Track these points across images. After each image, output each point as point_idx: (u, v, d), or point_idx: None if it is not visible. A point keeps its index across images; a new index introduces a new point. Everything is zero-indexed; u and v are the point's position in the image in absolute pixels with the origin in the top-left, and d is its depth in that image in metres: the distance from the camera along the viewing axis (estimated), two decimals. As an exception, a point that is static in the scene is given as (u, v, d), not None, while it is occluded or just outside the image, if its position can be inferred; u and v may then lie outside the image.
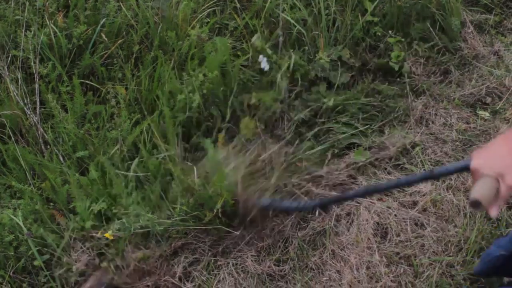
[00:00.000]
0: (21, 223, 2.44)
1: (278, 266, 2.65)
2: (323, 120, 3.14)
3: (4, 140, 2.90)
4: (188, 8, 3.35)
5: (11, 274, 2.46)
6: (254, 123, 2.98)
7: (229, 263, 2.64)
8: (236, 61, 3.24)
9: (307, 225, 2.78)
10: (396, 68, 3.37)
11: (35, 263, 2.43)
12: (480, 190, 1.55)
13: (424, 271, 2.61)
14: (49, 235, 2.48)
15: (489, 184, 1.56)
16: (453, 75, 3.49)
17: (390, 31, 3.62)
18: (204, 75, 3.06)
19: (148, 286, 2.53)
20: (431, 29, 3.62)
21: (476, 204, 1.54)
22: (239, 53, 3.36)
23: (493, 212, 1.56)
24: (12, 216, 2.43)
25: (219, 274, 2.62)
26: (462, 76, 3.49)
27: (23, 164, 2.72)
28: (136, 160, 2.78)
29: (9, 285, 2.45)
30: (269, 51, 3.24)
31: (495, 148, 1.61)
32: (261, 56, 3.24)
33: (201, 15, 3.44)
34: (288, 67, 3.18)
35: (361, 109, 3.22)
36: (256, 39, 3.15)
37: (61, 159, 2.79)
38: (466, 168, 1.65)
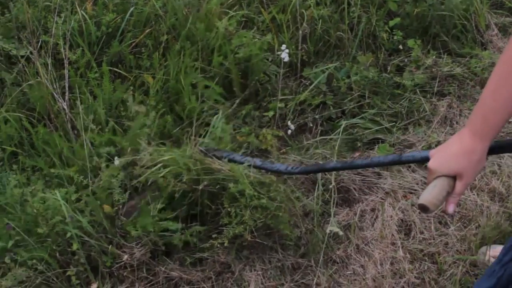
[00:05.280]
0: (64, 207, 2.46)
1: (303, 258, 2.67)
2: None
3: (33, 124, 2.92)
4: (217, 2, 3.38)
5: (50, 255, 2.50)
6: None
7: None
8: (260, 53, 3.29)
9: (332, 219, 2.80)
10: (409, 85, 3.38)
11: (74, 247, 2.46)
12: (427, 196, 1.60)
13: (447, 269, 2.63)
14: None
15: (439, 187, 1.60)
16: (477, 76, 3.50)
17: (411, 33, 3.65)
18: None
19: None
20: (460, 33, 3.65)
21: (423, 208, 1.61)
22: (264, 46, 3.38)
23: (449, 209, 1.63)
24: (59, 198, 2.44)
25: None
26: (486, 78, 3.49)
27: (53, 149, 2.74)
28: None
29: (48, 266, 2.48)
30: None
31: (450, 149, 1.62)
32: (283, 46, 3.27)
33: (230, 10, 3.46)
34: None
35: (385, 109, 3.25)
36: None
37: (90, 145, 2.80)
38: (427, 160, 1.69)
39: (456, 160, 1.59)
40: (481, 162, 1.59)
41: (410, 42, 3.58)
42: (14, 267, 2.44)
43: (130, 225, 2.59)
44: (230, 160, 2.67)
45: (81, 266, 2.50)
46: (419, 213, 2.82)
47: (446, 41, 3.67)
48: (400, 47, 3.62)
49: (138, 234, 2.57)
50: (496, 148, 1.67)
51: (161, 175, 2.61)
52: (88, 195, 2.59)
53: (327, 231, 2.72)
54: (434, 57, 3.52)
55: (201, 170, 2.61)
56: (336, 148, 3.03)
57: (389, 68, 3.48)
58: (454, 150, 1.60)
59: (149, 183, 2.67)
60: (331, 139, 3.13)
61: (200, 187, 2.61)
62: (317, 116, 3.22)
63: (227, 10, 3.46)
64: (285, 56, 3.26)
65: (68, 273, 2.49)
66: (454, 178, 1.60)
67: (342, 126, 3.13)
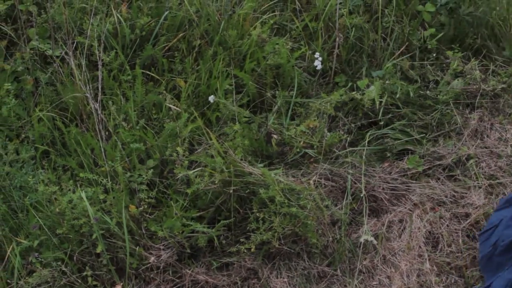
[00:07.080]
0: (89, 208, 2.48)
1: (329, 267, 2.67)
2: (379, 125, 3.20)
3: (66, 124, 2.95)
4: (250, 8, 3.39)
5: (74, 255, 2.53)
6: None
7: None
8: (291, 61, 3.30)
9: (359, 229, 2.79)
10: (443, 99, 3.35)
11: (98, 248, 2.48)
12: None
13: (475, 283, 2.61)
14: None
15: None
16: (510, 90, 3.47)
17: (446, 43, 3.63)
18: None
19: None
20: (492, 43, 3.63)
21: None
22: (296, 54, 3.38)
23: None
24: (84, 198, 2.46)
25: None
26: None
27: (85, 149, 2.77)
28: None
29: (71, 267, 2.52)
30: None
31: None
32: (317, 54, 3.28)
33: (263, 16, 3.47)
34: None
35: (416, 120, 3.24)
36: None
37: (120, 146, 2.82)
38: None
39: None
40: None
41: (448, 53, 3.56)
42: (39, 268, 2.47)
43: (155, 225, 2.62)
44: None
45: (105, 267, 2.53)
46: (447, 225, 2.81)
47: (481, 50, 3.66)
48: (434, 55, 3.60)
49: (165, 235, 2.59)
50: None
51: (194, 171, 2.69)
52: (114, 196, 2.62)
53: (361, 240, 2.72)
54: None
55: (233, 173, 2.64)
56: (364, 157, 3.03)
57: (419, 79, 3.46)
58: None
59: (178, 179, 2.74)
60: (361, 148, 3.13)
61: (231, 190, 2.63)
62: (348, 124, 3.22)
63: (260, 15, 3.48)
64: (318, 64, 3.27)
65: (85, 273, 2.52)
66: None
67: (369, 137, 3.13)
